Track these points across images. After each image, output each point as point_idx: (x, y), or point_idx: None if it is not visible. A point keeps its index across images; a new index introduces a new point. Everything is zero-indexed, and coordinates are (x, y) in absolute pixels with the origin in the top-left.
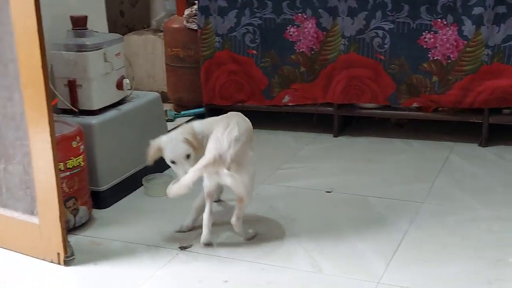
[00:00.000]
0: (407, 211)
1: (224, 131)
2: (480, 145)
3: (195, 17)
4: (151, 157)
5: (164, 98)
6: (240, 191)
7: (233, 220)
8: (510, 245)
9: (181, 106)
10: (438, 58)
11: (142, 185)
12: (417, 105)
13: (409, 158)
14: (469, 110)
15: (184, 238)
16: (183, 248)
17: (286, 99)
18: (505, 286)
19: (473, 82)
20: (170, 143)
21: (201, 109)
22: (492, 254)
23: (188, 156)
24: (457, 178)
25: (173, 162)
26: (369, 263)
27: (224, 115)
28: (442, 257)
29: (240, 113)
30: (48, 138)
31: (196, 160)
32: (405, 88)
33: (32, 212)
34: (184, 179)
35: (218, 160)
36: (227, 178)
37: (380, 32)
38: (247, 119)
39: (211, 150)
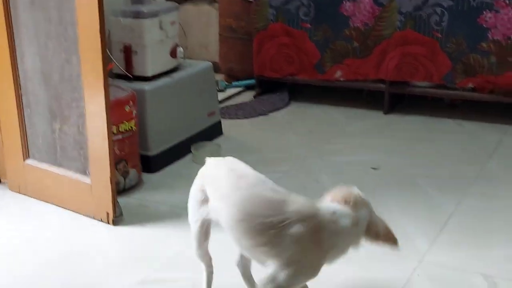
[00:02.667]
0: (455, 192)
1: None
2: None
3: None
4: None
5: (216, 69)
6: None
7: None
8: None
9: (232, 77)
10: (498, 38)
11: (191, 152)
12: (472, 86)
13: (460, 139)
14: None
15: None
16: None
17: (338, 74)
18: None
19: None
20: None
21: (252, 81)
22: None
23: None
24: (509, 162)
25: None
26: (413, 240)
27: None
28: (486, 240)
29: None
30: (103, 101)
31: None
32: (461, 67)
33: (84, 172)
34: None
35: None
36: None
37: (438, 9)
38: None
39: None
